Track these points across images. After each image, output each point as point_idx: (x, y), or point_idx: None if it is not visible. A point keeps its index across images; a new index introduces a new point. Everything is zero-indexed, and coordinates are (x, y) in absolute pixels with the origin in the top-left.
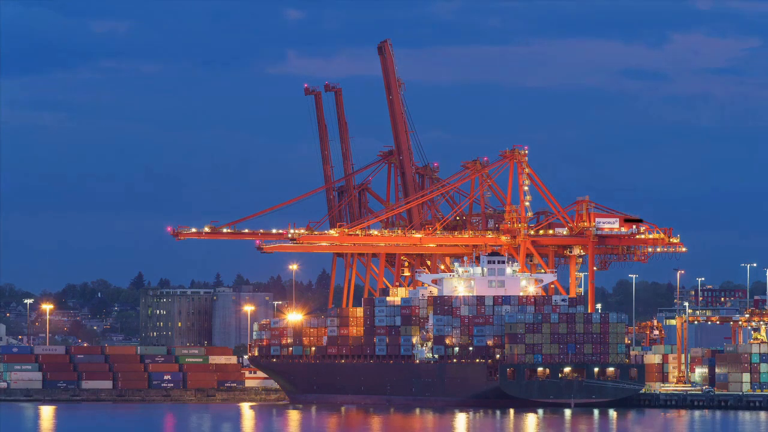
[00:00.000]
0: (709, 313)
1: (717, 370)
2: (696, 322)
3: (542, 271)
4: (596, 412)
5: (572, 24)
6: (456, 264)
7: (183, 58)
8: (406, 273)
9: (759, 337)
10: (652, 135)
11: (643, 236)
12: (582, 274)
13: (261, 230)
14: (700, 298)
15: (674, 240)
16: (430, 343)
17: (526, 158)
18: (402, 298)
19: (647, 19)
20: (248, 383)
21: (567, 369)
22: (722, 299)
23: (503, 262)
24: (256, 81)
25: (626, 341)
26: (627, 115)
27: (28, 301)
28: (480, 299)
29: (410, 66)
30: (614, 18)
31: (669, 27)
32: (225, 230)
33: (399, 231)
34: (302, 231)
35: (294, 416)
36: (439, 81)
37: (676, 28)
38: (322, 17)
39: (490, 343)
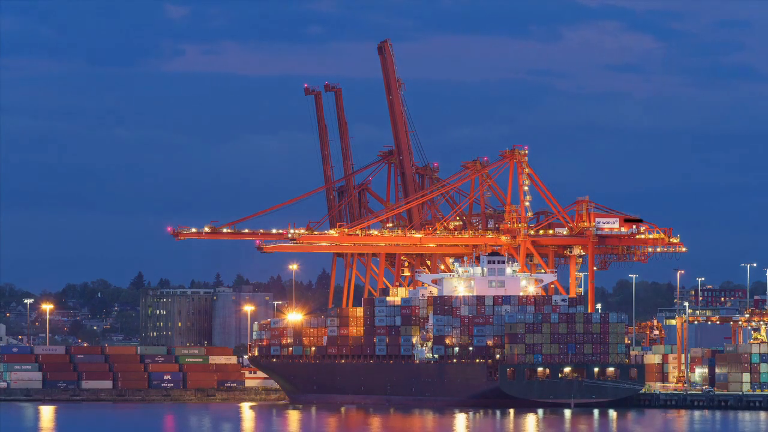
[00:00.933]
0: (709, 313)
1: (717, 370)
2: (696, 322)
3: (542, 271)
4: (596, 412)
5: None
6: (456, 264)
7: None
8: (406, 273)
9: (759, 337)
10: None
11: (643, 236)
12: (582, 274)
13: (261, 230)
14: (700, 298)
15: (674, 240)
16: (430, 343)
17: (526, 158)
18: (402, 298)
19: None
20: (248, 383)
21: (567, 369)
22: (722, 299)
23: (503, 262)
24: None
25: (626, 341)
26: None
27: (28, 301)
28: (480, 299)
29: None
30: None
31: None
32: (225, 230)
33: (399, 231)
34: (302, 231)
35: (294, 416)
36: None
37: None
38: (207, 13)
39: (490, 343)
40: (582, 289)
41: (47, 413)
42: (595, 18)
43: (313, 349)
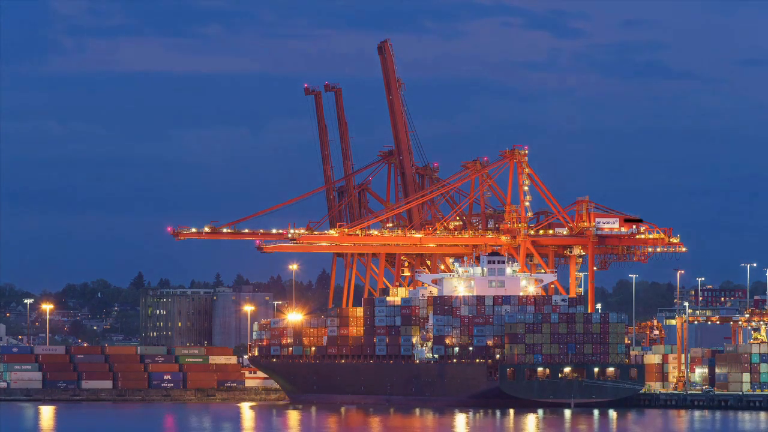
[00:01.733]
0: (709, 313)
1: (717, 370)
2: (696, 322)
3: (542, 271)
4: (596, 412)
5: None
6: (456, 264)
7: None
8: (406, 273)
9: (759, 337)
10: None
11: (643, 236)
12: (582, 274)
13: (261, 230)
14: (700, 298)
15: (674, 240)
16: (430, 343)
17: (526, 158)
18: (402, 298)
19: None
20: (248, 383)
21: (567, 369)
22: (722, 299)
23: (503, 262)
24: None
25: (626, 341)
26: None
27: (28, 301)
28: (480, 299)
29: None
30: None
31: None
32: (225, 230)
33: (399, 231)
34: (302, 231)
35: (294, 416)
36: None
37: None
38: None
39: (490, 343)
40: (582, 289)
41: (47, 413)
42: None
43: (313, 349)
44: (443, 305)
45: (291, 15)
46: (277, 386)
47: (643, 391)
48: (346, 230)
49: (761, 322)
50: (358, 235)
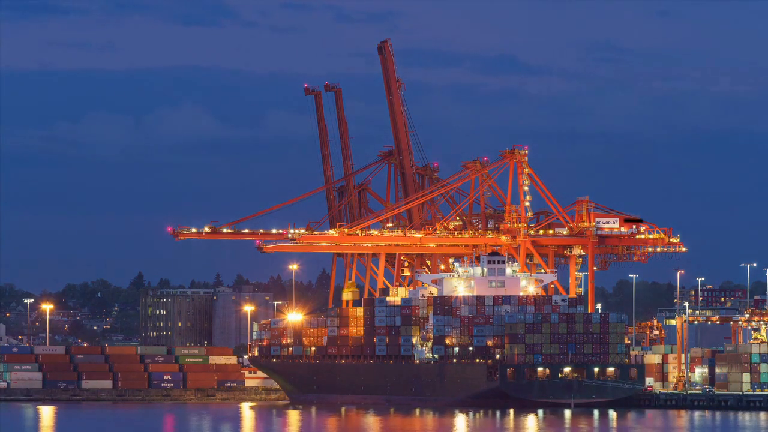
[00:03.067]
0: (709, 313)
1: (717, 370)
2: (696, 322)
3: (542, 271)
4: (596, 412)
5: None
6: (456, 264)
7: None
8: (406, 273)
9: (759, 337)
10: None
11: (643, 236)
12: (582, 274)
13: (261, 230)
14: (700, 298)
15: (674, 240)
16: (430, 343)
17: (526, 158)
18: (402, 298)
19: None
20: (248, 383)
21: (567, 369)
22: (722, 299)
23: (503, 262)
24: None
25: (626, 341)
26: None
27: (28, 301)
28: (480, 299)
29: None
30: None
31: None
32: (225, 230)
33: (399, 231)
34: (302, 231)
35: (294, 416)
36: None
37: None
38: None
39: (490, 343)
40: (582, 289)
41: (47, 413)
42: None
43: (313, 349)
44: (443, 305)
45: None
46: (277, 386)
47: (644, 388)
48: (346, 230)
49: (761, 322)
50: (358, 235)
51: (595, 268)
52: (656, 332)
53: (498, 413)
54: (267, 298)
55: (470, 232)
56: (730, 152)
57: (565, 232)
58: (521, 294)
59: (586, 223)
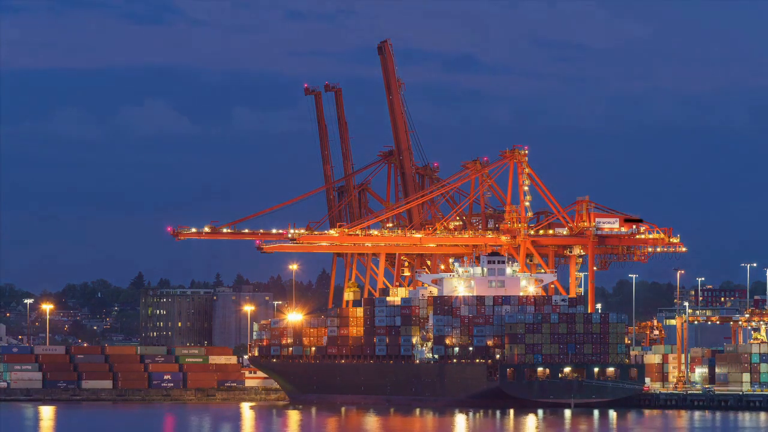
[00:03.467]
0: (709, 313)
1: (717, 370)
2: (696, 322)
3: (542, 271)
4: (596, 412)
5: None
6: (456, 264)
7: None
8: (406, 273)
9: (759, 337)
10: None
11: (643, 236)
12: (582, 274)
13: (261, 230)
14: (700, 298)
15: (674, 240)
16: (430, 343)
17: (526, 158)
18: (402, 298)
19: None
20: (248, 383)
21: (567, 369)
22: (722, 299)
23: (503, 262)
24: None
25: (626, 341)
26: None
27: (28, 301)
28: (480, 299)
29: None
30: None
31: None
32: (225, 230)
33: (399, 231)
34: (302, 231)
35: (294, 416)
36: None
37: None
38: None
39: (490, 343)
40: (582, 289)
41: (47, 413)
42: None
43: (313, 349)
44: (443, 305)
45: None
46: (277, 386)
47: (645, 389)
48: (346, 230)
49: (761, 322)
50: (358, 235)
51: (595, 268)
52: (656, 332)
53: (498, 413)
54: (267, 298)
55: (470, 232)
56: (731, 151)
57: (565, 232)
58: (521, 294)
59: (586, 223)
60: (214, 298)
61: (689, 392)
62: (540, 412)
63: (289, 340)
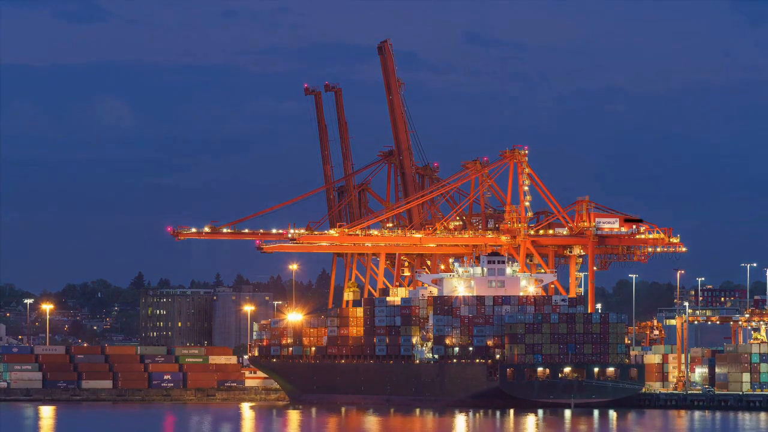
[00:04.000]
0: (709, 313)
1: (717, 370)
2: (696, 322)
3: (542, 271)
4: (596, 412)
5: None
6: (456, 264)
7: None
8: (406, 273)
9: (759, 337)
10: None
11: (643, 236)
12: (582, 274)
13: (261, 230)
14: (700, 298)
15: (674, 240)
16: (430, 343)
17: (526, 158)
18: (402, 298)
19: None
20: (248, 383)
21: (567, 369)
22: (722, 299)
23: (503, 262)
24: None
25: (626, 341)
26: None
27: (28, 301)
28: (480, 299)
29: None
30: None
31: None
32: (225, 230)
33: (399, 231)
34: (302, 231)
35: (294, 416)
36: None
37: None
38: None
39: (490, 343)
40: (582, 289)
41: (47, 413)
42: None
43: (313, 349)
44: (443, 305)
45: (291, 13)
46: (277, 386)
47: (643, 390)
48: (346, 230)
49: (761, 322)
50: (358, 235)
51: (595, 268)
52: (656, 332)
53: (498, 413)
54: (267, 298)
55: (470, 232)
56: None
57: (565, 232)
58: (521, 294)
59: (586, 223)
60: (214, 298)
61: (689, 392)
62: (540, 412)
63: (289, 340)
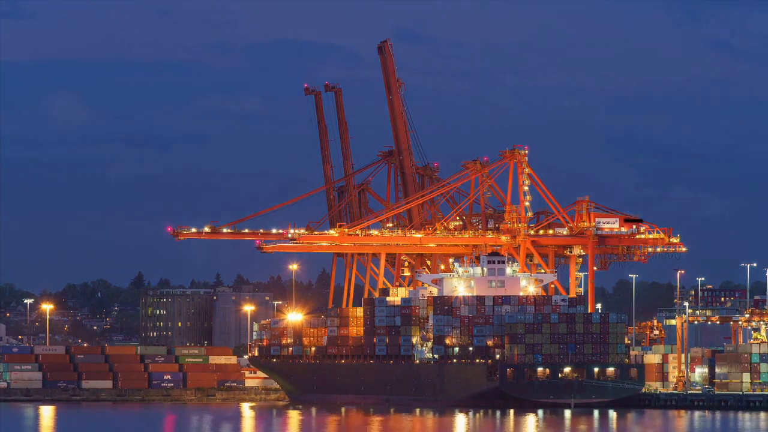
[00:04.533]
0: (709, 313)
1: (717, 370)
2: (696, 322)
3: (542, 271)
4: (596, 412)
5: None
6: (456, 264)
7: None
8: (406, 273)
9: (759, 337)
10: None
11: (643, 236)
12: (582, 274)
13: (261, 230)
14: (700, 298)
15: (674, 240)
16: (430, 343)
17: (526, 158)
18: (402, 298)
19: None
20: (248, 383)
21: (567, 369)
22: (722, 299)
23: (503, 262)
24: None
25: (626, 341)
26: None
27: (28, 301)
28: (480, 299)
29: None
30: None
31: None
32: (225, 230)
33: (399, 231)
34: (302, 231)
35: (294, 416)
36: None
37: None
38: None
39: (490, 343)
40: (582, 289)
41: (47, 413)
42: None
43: (313, 349)
44: (443, 305)
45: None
46: (277, 386)
47: (643, 390)
48: (346, 230)
49: (761, 322)
50: (358, 235)
51: (595, 268)
52: (656, 332)
53: (498, 413)
54: (267, 298)
55: (470, 232)
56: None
57: (565, 232)
58: (521, 294)
59: (586, 223)
60: (214, 298)
61: (689, 392)
62: (540, 412)
63: (289, 340)
